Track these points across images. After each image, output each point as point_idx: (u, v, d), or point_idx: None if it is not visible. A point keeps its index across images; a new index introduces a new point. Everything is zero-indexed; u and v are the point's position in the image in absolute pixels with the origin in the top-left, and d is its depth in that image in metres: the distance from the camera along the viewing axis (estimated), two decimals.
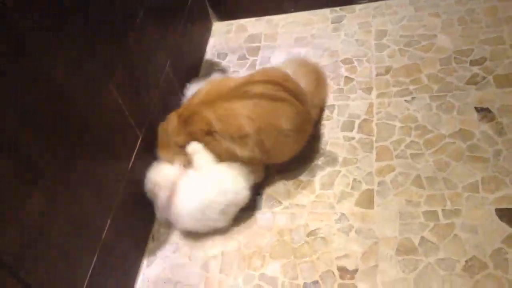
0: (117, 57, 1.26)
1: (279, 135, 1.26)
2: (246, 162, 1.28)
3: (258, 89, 1.25)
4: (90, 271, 1.11)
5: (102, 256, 1.15)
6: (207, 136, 1.27)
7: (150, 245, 1.36)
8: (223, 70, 1.77)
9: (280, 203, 1.35)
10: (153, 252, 1.34)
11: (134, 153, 1.31)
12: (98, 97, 1.17)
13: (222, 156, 1.28)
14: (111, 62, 1.23)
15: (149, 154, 1.37)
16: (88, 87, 1.13)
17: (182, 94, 1.58)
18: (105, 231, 1.17)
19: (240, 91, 1.26)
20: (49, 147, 1.00)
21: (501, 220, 1.18)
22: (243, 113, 1.23)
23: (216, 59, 1.82)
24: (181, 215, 1.28)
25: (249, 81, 1.28)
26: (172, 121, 1.33)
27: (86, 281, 1.09)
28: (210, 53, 1.86)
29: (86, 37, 1.14)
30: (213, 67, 1.80)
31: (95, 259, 1.13)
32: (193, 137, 1.29)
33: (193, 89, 1.51)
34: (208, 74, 1.74)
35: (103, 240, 1.16)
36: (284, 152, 1.34)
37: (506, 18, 1.61)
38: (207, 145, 1.28)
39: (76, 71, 1.10)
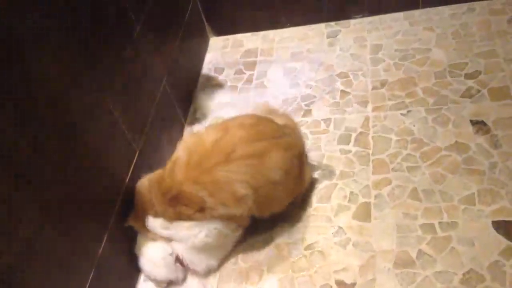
0: (113, 70, 1.27)
1: (273, 187, 1.21)
2: (233, 218, 1.22)
3: (240, 150, 1.17)
4: (87, 286, 1.10)
5: (98, 272, 1.14)
6: (199, 213, 1.19)
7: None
8: (220, 85, 1.78)
9: (277, 216, 1.35)
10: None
11: (131, 168, 1.31)
12: (94, 110, 1.18)
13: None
14: (108, 76, 1.24)
15: (146, 169, 1.36)
16: (84, 100, 1.14)
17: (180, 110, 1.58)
18: (102, 247, 1.17)
19: (222, 153, 1.17)
20: (44, 160, 0.99)
21: (498, 233, 1.18)
22: (234, 179, 1.16)
23: (212, 74, 1.84)
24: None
25: (227, 140, 1.19)
26: (155, 194, 1.22)
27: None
28: (206, 67, 1.87)
29: (83, 50, 1.15)
30: (209, 81, 1.81)
31: (91, 275, 1.12)
32: (181, 217, 1.20)
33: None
34: (203, 89, 1.76)
35: (99, 255, 1.15)
36: (279, 202, 1.27)
37: (498, 32, 1.63)
38: (196, 220, 1.21)
39: (72, 83, 1.10)
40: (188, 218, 1.19)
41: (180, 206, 1.18)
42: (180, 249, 1.24)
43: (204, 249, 1.23)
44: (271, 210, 1.27)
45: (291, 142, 1.26)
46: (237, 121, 1.26)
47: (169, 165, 1.23)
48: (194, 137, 1.24)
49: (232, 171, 1.16)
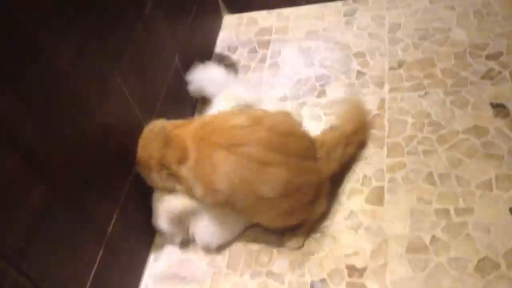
0: (123, 47, 1.25)
1: (259, 201, 1.13)
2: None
3: (247, 149, 1.10)
4: (96, 265, 1.10)
5: (108, 250, 1.14)
6: (175, 165, 1.18)
7: (157, 239, 1.35)
8: (233, 64, 1.75)
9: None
10: (160, 247, 1.33)
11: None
12: (104, 86, 1.16)
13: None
14: (118, 52, 1.22)
15: None
16: (93, 76, 1.12)
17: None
18: (112, 225, 1.16)
19: (230, 141, 1.12)
20: (52, 138, 0.99)
21: None
22: (222, 169, 1.11)
23: (226, 53, 1.81)
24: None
25: (247, 132, 1.14)
26: (159, 134, 1.22)
27: (92, 275, 1.08)
28: (220, 46, 1.84)
29: (93, 25, 1.13)
30: (223, 60, 1.78)
31: (101, 253, 1.12)
32: (161, 161, 1.20)
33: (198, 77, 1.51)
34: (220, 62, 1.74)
35: (109, 234, 1.15)
36: (265, 218, 1.20)
37: None
38: (168, 176, 1.21)
39: (81, 58, 1.09)
40: (165, 165, 1.20)
41: (167, 148, 1.20)
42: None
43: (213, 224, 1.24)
44: (260, 221, 1.22)
45: (313, 168, 1.18)
46: (271, 121, 1.16)
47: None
48: (227, 112, 1.26)
49: (226, 161, 1.11)
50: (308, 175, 1.16)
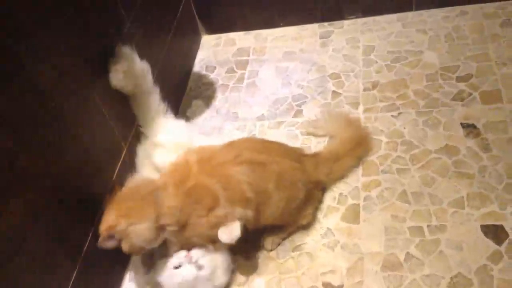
0: (102, 66, 1.25)
1: (269, 198, 1.18)
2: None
3: (247, 154, 1.18)
4: (71, 284, 1.08)
5: (83, 269, 1.12)
6: (207, 218, 1.13)
7: (134, 258, 1.33)
8: (210, 83, 1.77)
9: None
10: (137, 267, 1.32)
11: (119, 165, 1.29)
12: (83, 107, 1.16)
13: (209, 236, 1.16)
14: (97, 72, 1.22)
15: (134, 167, 1.35)
16: (73, 96, 1.12)
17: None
18: (87, 243, 1.15)
19: (230, 154, 1.17)
20: (30, 154, 0.98)
21: (487, 237, 1.17)
22: (242, 179, 1.14)
23: (204, 72, 1.82)
24: None
25: (233, 146, 1.21)
26: (167, 191, 1.14)
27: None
28: (198, 66, 1.86)
29: (72, 45, 1.13)
30: (201, 79, 1.80)
31: (76, 272, 1.10)
32: (190, 222, 1.14)
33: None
34: (196, 89, 1.74)
35: (84, 252, 1.14)
36: (269, 214, 1.20)
37: (491, 36, 1.63)
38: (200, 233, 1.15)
39: (60, 77, 1.09)
40: (195, 222, 1.13)
41: (193, 204, 1.13)
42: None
43: None
44: (262, 221, 1.21)
45: (299, 167, 1.23)
46: (242, 139, 1.30)
47: (177, 163, 1.19)
48: (200, 148, 1.23)
49: (239, 172, 1.14)
50: (296, 172, 1.21)
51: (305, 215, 1.26)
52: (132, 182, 1.20)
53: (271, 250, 1.27)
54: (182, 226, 1.13)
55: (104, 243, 1.10)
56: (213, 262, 1.16)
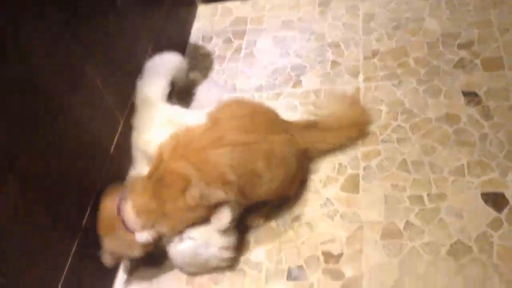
0: (96, 39, 1.23)
1: (256, 178, 1.16)
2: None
3: (230, 136, 1.14)
4: (68, 264, 1.08)
5: (83, 244, 1.12)
6: (182, 199, 1.11)
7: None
8: (207, 54, 1.74)
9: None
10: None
11: (116, 138, 1.28)
12: (77, 80, 1.14)
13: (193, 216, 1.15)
14: (90, 45, 1.20)
15: (130, 140, 1.34)
16: (66, 70, 1.10)
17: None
18: (86, 218, 1.15)
19: (211, 138, 1.14)
20: (23, 134, 0.96)
21: (486, 204, 1.17)
22: (222, 162, 1.11)
23: (201, 43, 1.79)
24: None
25: (216, 128, 1.16)
26: (139, 194, 1.12)
27: (63, 276, 1.06)
28: (194, 36, 1.82)
29: (64, 18, 1.11)
30: (198, 51, 1.77)
31: (73, 250, 1.10)
32: (165, 207, 1.11)
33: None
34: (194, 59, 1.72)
35: (83, 227, 1.14)
36: (262, 192, 1.19)
37: (493, 1, 1.59)
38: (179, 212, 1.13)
39: (53, 53, 1.07)
40: (173, 206, 1.11)
41: (164, 190, 1.11)
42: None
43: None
44: (254, 199, 1.21)
45: (288, 140, 1.21)
46: (228, 113, 1.21)
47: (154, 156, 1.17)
48: (184, 129, 1.19)
49: (220, 155, 1.12)
50: (287, 146, 1.20)
51: (294, 187, 1.25)
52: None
53: (257, 226, 1.26)
54: (163, 216, 1.12)
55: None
56: (204, 231, 1.15)
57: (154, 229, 1.12)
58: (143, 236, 1.12)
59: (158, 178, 1.12)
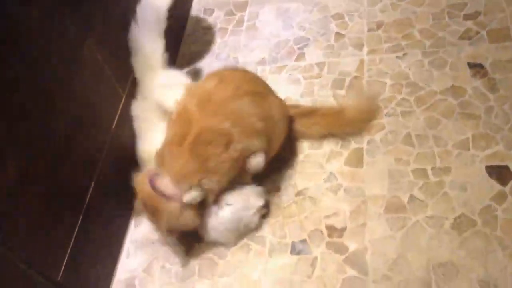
0: (95, 12, 1.21)
1: (275, 125, 1.20)
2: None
3: (245, 86, 1.16)
4: (75, 233, 1.09)
5: (87, 218, 1.13)
6: (225, 153, 1.10)
7: (138, 205, 1.34)
8: (209, 27, 1.71)
9: (268, 163, 1.33)
10: (141, 213, 1.33)
11: (118, 113, 1.27)
12: (76, 53, 1.12)
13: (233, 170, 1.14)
14: (89, 18, 1.18)
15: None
16: (64, 42, 1.09)
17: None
18: (90, 193, 1.15)
19: (229, 89, 1.14)
20: (23, 108, 0.96)
21: (491, 178, 1.16)
22: (250, 111, 1.14)
23: (202, 15, 1.76)
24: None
25: (228, 81, 1.17)
26: (173, 161, 1.09)
27: (71, 243, 1.08)
28: (196, 9, 1.79)
29: None
30: (199, 23, 1.74)
31: (79, 221, 1.11)
32: (208, 165, 1.09)
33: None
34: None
35: (87, 202, 1.14)
36: (278, 143, 1.25)
37: None
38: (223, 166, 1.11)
39: (51, 24, 1.05)
40: (217, 161, 1.09)
41: (205, 148, 1.09)
42: None
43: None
44: (275, 148, 1.24)
45: (280, 102, 1.26)
46: (227, 72, 1.25)
47: (171, 122, 1.15)
48: (191, 88, 1.19)
49: (245, 105, 1.14)
50: (285, 104, 1.28)
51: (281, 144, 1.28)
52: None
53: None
54: (207, 172, 1.10)
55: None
56: (240, 195, 1.18)
57: (201, 187, 1.10)
58: (190, 195, 1.09)
59: (194, 139, 1.09)
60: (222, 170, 1.11)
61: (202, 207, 1.14)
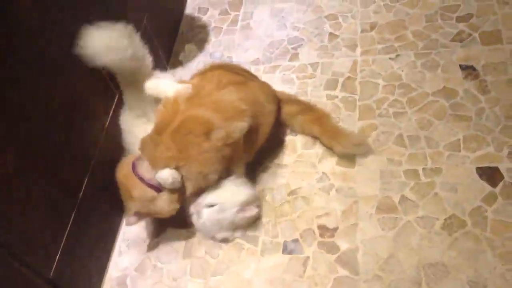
0: (90, 6, 1.20)
1: (262, 107, 1.24)
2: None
3: (226, 79, 1.23)
4: (68, 229, 1.09)
5: (80, 216, 1.13)
6: (207, 142, 1.12)
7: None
8: (204, 26, 1.71)
9: (261, 162, 1.33)
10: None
11: (111, 111, 1.27)
12: (70, 49, 1.12)
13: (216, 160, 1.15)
14: (84, 14, 1.18)
15: None
16: (60, 38, 1.08)
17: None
18: (83, 190, 1.15)
19: (212, 84, 1.21)
20: (23, 100, 0.96)
21: (481, 179, 1.17)
22: (233, 97, 1.18)
23: (196, 14, 1.76)
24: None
25: (209, 77, 1.25)
26: (152, 148, 1.13)
27: (63, 241, 1.07)
28: (190, 7, 1.79)
29: None
30: (193, 22, 1.74)
31: (72, 218, 1.11)
32: (189, 153, 1.12)
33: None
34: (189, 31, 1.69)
35: (80, 199, 1.14)
36: (268, 124, 1.27)
37: None
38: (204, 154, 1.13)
39: (49, 24, 1.05)
40: (198, 150, 1.11)
41: (185, 136, 1.12)
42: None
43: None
44: (263, 135, 1.25)
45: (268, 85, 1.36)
46: (207, 68, 1.32)
47: (159, 111, 1.19)
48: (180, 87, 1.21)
49: (227, 93, 1.19)
50: (271, 87, 1.36)
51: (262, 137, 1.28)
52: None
53: None
54: (187, 160, 1.11)
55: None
56: (222, 195, 1.17)
57: (178, 172, 1.12)
58: (162, 173, 1.10)
59: (175, 129, 1.12)
60: (204, 160, 1.13)
61: (180, 194, 1.16)
